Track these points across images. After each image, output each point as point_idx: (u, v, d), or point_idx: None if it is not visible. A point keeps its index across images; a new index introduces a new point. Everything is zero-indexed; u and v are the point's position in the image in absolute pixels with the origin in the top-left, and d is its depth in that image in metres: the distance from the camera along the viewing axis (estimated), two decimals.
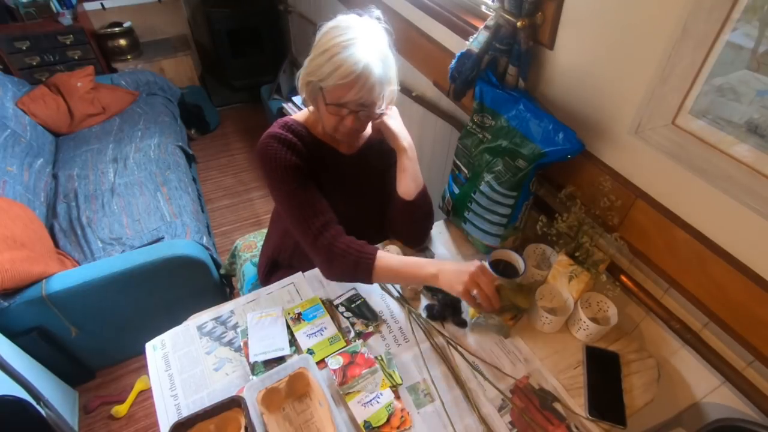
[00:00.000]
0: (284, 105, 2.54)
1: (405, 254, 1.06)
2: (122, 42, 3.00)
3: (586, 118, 0.93)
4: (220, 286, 1.76)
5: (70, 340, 1.55)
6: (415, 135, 0.98)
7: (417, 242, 1.15)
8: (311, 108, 0.98)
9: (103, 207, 1.93)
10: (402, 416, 0.81)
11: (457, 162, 1.13)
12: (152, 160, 2.21)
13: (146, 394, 1.72)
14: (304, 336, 0.93)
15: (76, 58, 2.80)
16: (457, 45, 1.27)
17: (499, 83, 1.04)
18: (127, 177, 2.10)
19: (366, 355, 0.89)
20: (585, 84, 0.91)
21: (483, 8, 1.19)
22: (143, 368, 1.79)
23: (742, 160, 0.70)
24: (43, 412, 1.32)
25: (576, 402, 0.86)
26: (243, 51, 3.34)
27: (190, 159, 2.48)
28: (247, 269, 1.42)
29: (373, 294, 1.03)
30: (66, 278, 1.44)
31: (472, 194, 1.06)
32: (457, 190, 1.13)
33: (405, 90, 1.64)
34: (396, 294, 1.03)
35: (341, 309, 0.99)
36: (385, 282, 1.03)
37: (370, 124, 1.02)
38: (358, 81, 0.84)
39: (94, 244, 1.76)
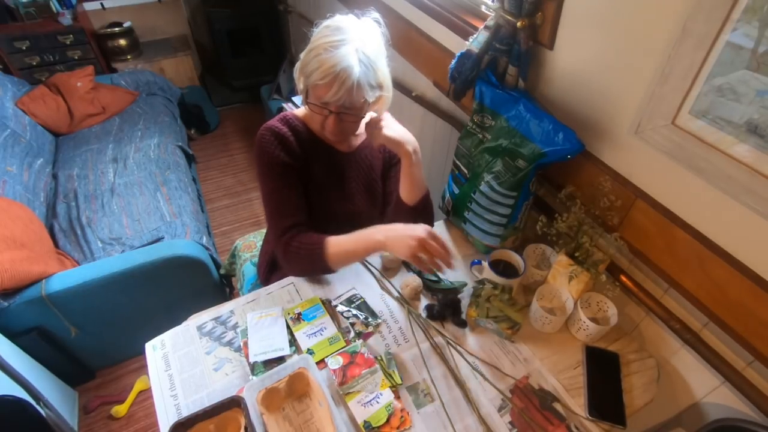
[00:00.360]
0: (284, 105, 2.54)
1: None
2: (122, 42, 3.00)
3: (586, 118, 0.93)
4: (219, 286, 1.76)
5: (69, 340, 1.55)
6: (415, 135, 0.97)
7: None
8: None
9: (102, 207, 1.93)
10: (402, 416, 0.81)
11: (457, 162, 1.13)
12: (152, 160, 2.21)
13: (146, 394, 1.72)
14: (303, 336, 0.93)
15: (76, 58, 2.80)
16: (457, 45, 1.27)
17: (499, 83, 1.04)
18: (127, 177, 2.10)
19: (366, 355, 0.89)
20: (585, 84, 0.91)
21: (483, 8, 1.19)
22: (143, 368, 1.79)
23: (742, 160, 0.70)
24: (42, 412, 1.31)
25: (576, 402, 0.86)
26: (243, 51, 3.34)
27: (190, 159, 2.48)
28: (247, 269, 1.42)
29: (373, 294, 1.03)
30: (66, 278, 1.44)
31: (472, 194, 1.06)
32: (457, 190, 1.13)
33: (405, 90, 1.64)
34: (396, 294, 1.03)
35: (341, 309, 0.99)
36: (346, 264, 1.03)
37: (362, 126, 1.00)
38: (335, 81, 0.83)
39: (94, 244, 1.76)
